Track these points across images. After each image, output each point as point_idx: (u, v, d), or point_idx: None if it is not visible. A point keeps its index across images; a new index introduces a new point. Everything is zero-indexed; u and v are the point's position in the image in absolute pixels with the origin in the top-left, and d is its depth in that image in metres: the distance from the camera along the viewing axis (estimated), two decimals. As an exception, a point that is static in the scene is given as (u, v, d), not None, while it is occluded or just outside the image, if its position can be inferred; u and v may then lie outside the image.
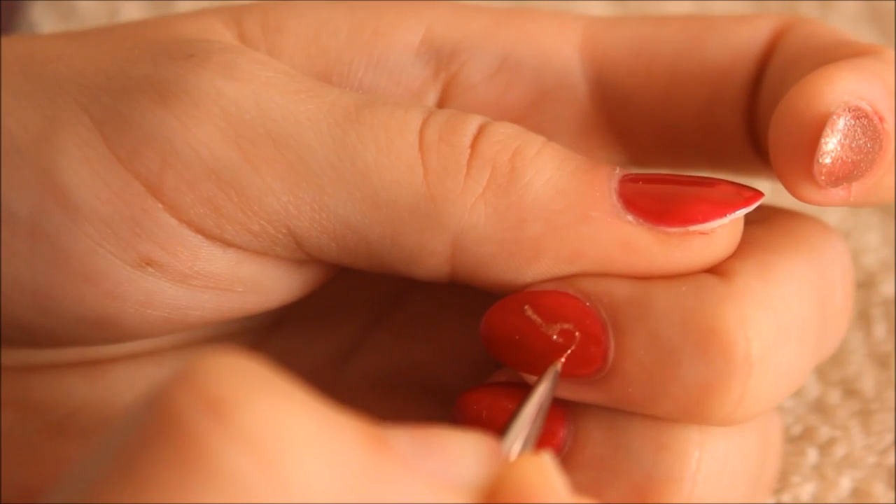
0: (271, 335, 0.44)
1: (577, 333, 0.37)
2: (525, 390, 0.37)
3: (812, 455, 0.45)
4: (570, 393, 0.38)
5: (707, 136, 0.42)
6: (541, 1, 0.59)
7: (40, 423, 0.41)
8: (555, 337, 0.37)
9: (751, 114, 0.42)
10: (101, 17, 0.59)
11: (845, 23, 0.57)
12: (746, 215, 0.38)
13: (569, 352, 0.37)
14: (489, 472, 0.32)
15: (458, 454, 0.31)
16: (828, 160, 0.37)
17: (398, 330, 0.44)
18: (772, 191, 0.42)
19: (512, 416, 0.35)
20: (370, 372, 0.43)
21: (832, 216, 0.51)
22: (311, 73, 0.41)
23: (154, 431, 0.29)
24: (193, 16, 0.41)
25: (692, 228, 0.37)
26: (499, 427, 0.35)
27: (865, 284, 0.50)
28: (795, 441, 0.46)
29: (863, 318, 0.49)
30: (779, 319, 0.37)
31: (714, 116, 0.42)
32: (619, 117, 0.42)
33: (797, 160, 0.37)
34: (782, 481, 0.44)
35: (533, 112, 0.42)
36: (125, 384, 0.42)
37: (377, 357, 0.43)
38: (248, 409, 0.29)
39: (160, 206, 0.38)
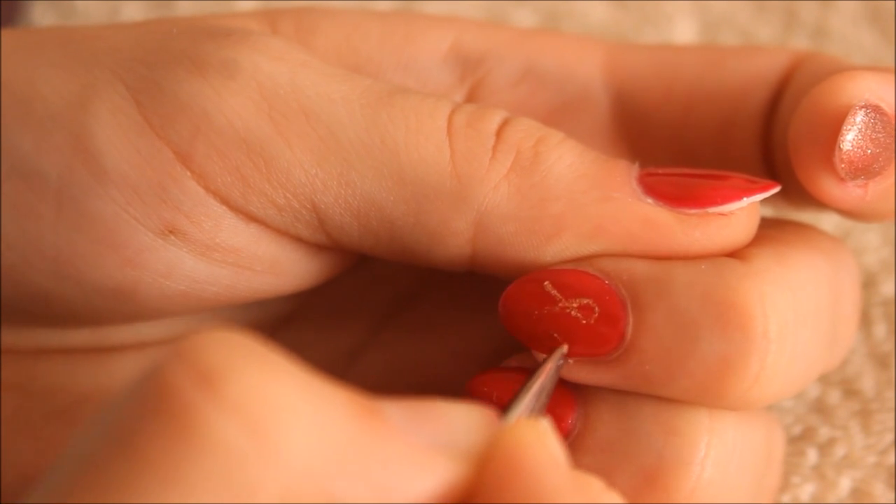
0: (282, 330, 0.44)
1: (596, 309, 0.38)
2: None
3: (812, 455, 0.45)
4: (584, 375, 0.38)
5: (722, 158, 0.43)
6: (540, 1, 0.59)
7: (44, 409, 0.41)
8: (574, 312, 0.38)
9: (766, 138, 0.43)
10: (102, 17, 0.59)
11: (845, 23, 0.58)
12: (759, 223, 0.39)
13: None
14: (485, 441, 0.32)
15: (452, 423, 0.32)
16: (848, 146, 0.38)
17: (408, 329, 0.44)
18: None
19: (516, 394, 0.36)
20: (379, 370, 0.44)
21: (831, 217, 0.51)
22: None
23: (147, 404, 0.29)
24: (227, 16, 0.42)
25: (711, 210, 0.38)
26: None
27: (865, 284, 0.50)
28: (795, 441, 0.46)
29: (863, 318, 0.49)
30: (796, 301, 0.38)
31: (730, 138, 0.43)
32: (638, 134, 0.44)
33: (818, 150, 0.38)
34: (782, 481, 0.45)
35: (554, 121, 0.43)
36: (131, 374, 0.42)
37: (386, 356, 0.44)
38: (238, 380, 0.29)
39: (188, 173, 0.38)
